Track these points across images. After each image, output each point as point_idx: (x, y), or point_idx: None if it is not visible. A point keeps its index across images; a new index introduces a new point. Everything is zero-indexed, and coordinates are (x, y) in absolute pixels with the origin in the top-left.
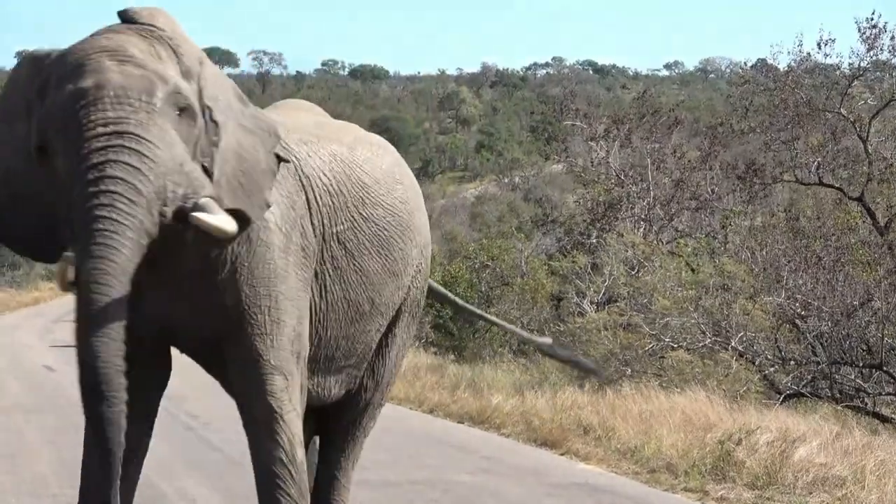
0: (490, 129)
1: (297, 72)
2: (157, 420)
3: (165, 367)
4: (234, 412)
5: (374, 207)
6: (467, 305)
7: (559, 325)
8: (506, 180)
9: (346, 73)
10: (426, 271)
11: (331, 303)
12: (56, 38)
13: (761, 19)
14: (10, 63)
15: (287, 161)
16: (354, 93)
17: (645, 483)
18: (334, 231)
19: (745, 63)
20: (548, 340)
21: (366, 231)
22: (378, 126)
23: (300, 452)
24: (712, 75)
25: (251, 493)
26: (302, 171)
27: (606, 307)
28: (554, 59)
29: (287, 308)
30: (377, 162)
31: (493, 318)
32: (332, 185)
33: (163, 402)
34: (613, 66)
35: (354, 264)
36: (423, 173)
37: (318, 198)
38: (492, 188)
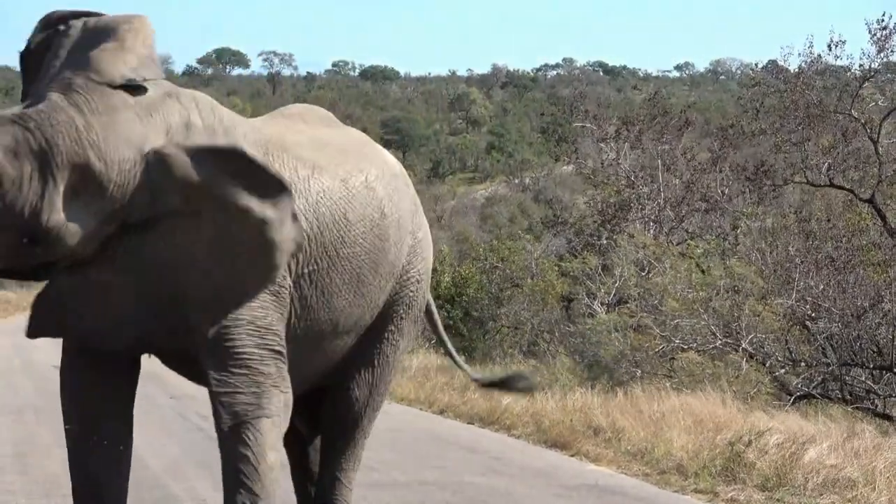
0: (500, 131)
1: (308, 72)
2: (167, 421)
3: (136, 369)
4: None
5: (352, 247)
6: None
7: (569, 326)
8: (516, 181)
9: (356, 73)
10: (424, 279)
11: (292, 333)
12: None
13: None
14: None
15: None
16: (365, 94)
17: (655, 484)
18: (305, 272)
19: (755, 64)
20: (477, 376)
21: (339, 270)
22: (388, 127)
23: (270, 455)
24: (723, 77)
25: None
26: None
27: (617, 308)
28: (564, 60)
29: (253, 331)
30: (367, 196)
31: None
32: (312, 227)
33: (172, 403)
34: (624, 68)
35: (324, 301)
36: (433, 174)
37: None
38: (502, 189)
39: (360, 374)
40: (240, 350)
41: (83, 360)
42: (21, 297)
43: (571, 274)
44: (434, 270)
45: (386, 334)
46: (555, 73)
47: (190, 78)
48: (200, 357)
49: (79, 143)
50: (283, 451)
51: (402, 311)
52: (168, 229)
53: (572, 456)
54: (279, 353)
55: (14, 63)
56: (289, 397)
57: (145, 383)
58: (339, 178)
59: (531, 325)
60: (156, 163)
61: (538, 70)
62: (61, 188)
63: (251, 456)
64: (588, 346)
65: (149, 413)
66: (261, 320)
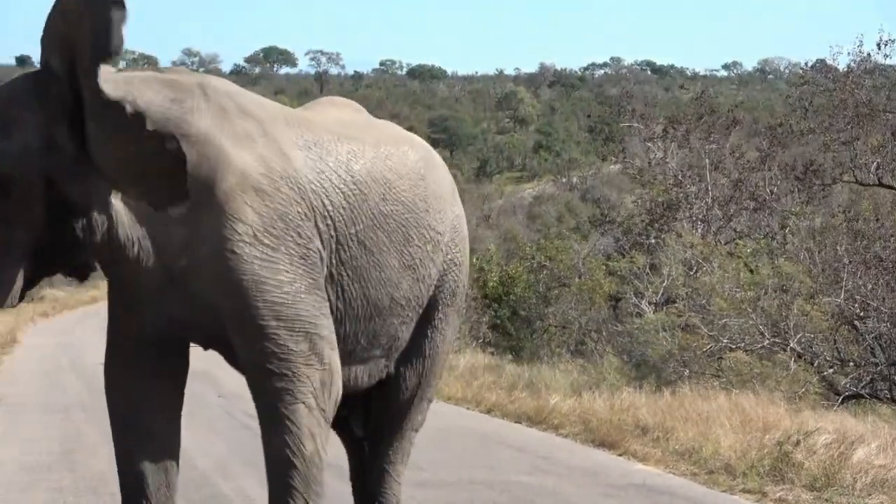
0: (548, 129)
1: (355, 71)
2: (214, 419)
3: (184, 365)
4: None
5: (394, 204)
6: None
7: (617, 326)
8: (563, 180)
9: (403, 72)
10: (464, 265)
11: (349, 301)
12: None
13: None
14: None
15: None
16: (412, 92)
17: (703, 484)
18: (352, 231)
19: (804, 64)
20: None
21: (385, 228)
22: (436, 126)
23: (309, 445)
24: (771, 76)
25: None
26: (305, 177)
27: (665, 308)
28: (612, 59)
29: (278, 313)
30: (402, 158)
31: None
32: (348, 185)
33: (220, 402)
34: (672, 67)
35: (374, 261)
36: (480, 173)
37: (328, 202)
38: (549, 188)
39: (410, 364)
40: (262, 326)
41: (127, 355)
42: (70, 296)
43: (619, 273)
44: (481, 269)
45: (435, 322)
46: (602, 72)
47: (238, 77)
48: (222, 334)
49: None
50: (327, 432)
51: (447, 297)
52: None
53: (620, 455)
54: (312, 324)
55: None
56: (325, 374)
57: (193, 382)
58: (369, 143)
59: (579, 325)
60: None
61: (586, 69)
62: None
63: (289, 450)
64: (636, 345)
65: (196, 412)
66: (285, 288)
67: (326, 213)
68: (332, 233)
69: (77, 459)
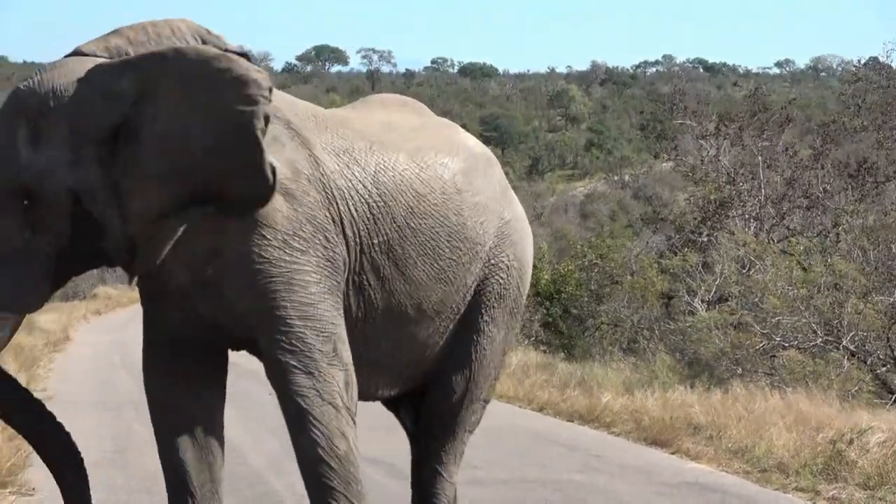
0: (599, 127)
1: (407, 69)
2: (266, 417)
3: (222, 362)
4: None
5: (424, 218)
6: None
7: (669, 324)
8: (615, 178)
9: (455, 70)
10: (513, 267)
11: (370, 309)
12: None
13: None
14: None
15: None
16: (464, 90)
17: (756, 482)
18: (375, 242)
19: (857, 61)
20: None
21: (413, 242)
22: (487, 124)
23: (341, 444)
24: (823, 73)
25: (366, 490)
26: (334, 184)
27: (717, 306)
28: (664, 56)
29: (305, 313)
30: (439, 170)
31: None
32: (373, 197)
33: (271, 400)
34: (724, 65)
35: (400, 273)
36: (532, 171)
37: (354, 211)
38: (601, 186)
39: (456, 366)
40: (290, 326)
41: (163, 354)
42: (122, 293)
43: (671, 271)
44: (533, 267)
45: (480, 325)
46: (654, 69)
47: (289, 75)
48: (250, 336)
49: None
50: (356, 431)
51: (492, 300)
52: None
53: (672, 454)
54: (333, 324)
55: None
56: (348, 374)
57: (245, 380)
58: (404, 152)
59: (631, 323)
60: None
61: (637, 67)
62: None
63: (322, 452)
64: (688, 343)
65: (249, 409)
66: (312, 289)
67: (352, 221)
68: (358, 240)
69: (129, 457)
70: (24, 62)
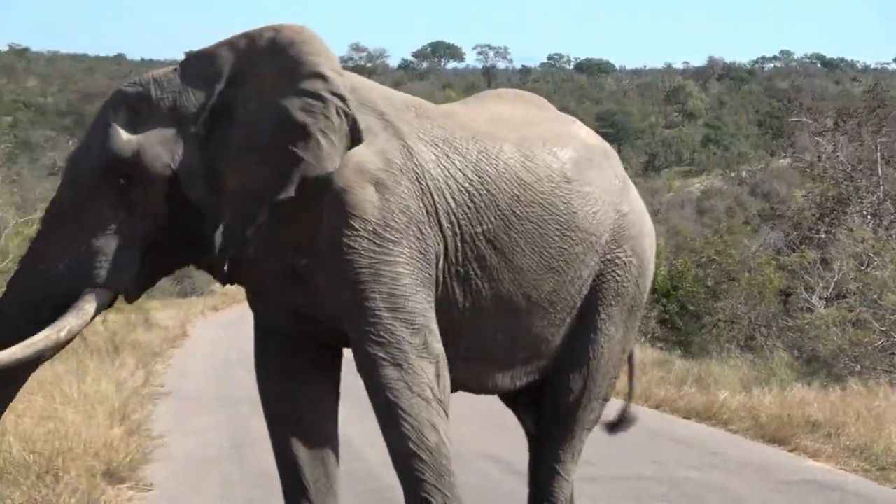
0: (716, 123)
1: (523, 66)
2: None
3: (333, 357)
4: (459, 407)
5: (530, 206)
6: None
7: (787, 321)
8: (732, 175)
9: (571, 67)
10: (632, 264)
11: (478, 299)
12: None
13: None
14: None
15: None
16: (580, 87)
17: (875, 481)
18: (478, 231)
19: None
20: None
21: (519, 229)
22: (603, 120)
23: (432, 436)
24: None
25: (477, 485)
26: (429, 174)
27: (835, 303)
28: (782, 52)
29: (395, 305)
30: (547, 159)
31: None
32: (474, 185)
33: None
34: (842, 60)
35: (505, 262)
36: (649, 167)
37: (451, 200)
38: (718, 183)
39: (573, 364)
40: (379, 318)
41: (272, 349)
42: (239, 289)
43: (789, 268)
44: None
45: (596, 322)
46: (772, 65)
47: (405, 72)
48: (342, 329)
49: None
50: (447, 424)
51: (609, 297)
52: None
53: (790, 451)
54: (424, 317)
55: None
56: (439, 367)
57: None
58: (510, 141)
59: (748, 320)
60: None
61: (755, 62)
62: None
63: (413, 445)
64: (806, 340)
65: (367, 405)
66: (403, 281)
67: (450, 211)
68: (457, 230)
69: (246, 453)
70: (142, 59)
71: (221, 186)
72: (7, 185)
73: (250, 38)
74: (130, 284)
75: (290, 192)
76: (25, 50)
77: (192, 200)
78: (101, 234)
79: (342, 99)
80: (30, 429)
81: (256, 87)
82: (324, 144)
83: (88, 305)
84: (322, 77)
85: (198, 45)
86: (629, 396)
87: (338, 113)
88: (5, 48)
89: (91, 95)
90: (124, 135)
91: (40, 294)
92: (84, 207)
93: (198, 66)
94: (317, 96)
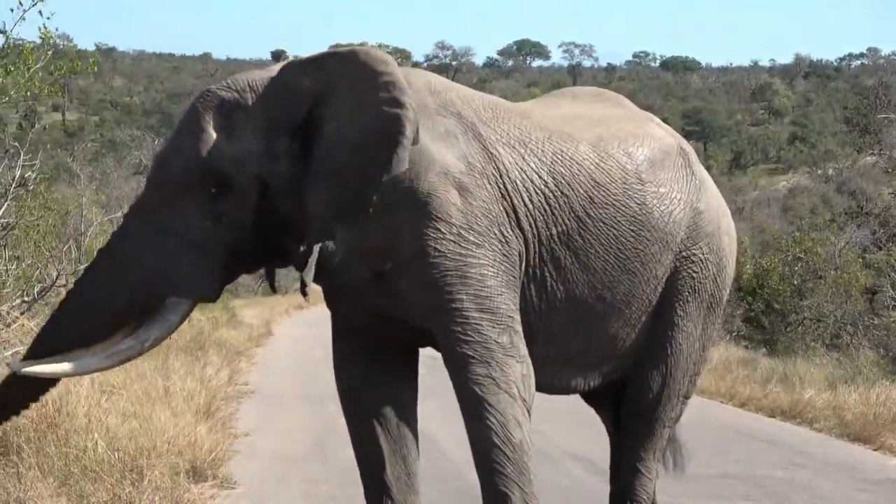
0: (803, 121)
1: (608, 64)
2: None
3: (411, 353)
4: (542, 405)
5: (604, 207)
6: None
7: (873, 319)
8: (818, 172)
9: (657, 64)
10: (709, 261)
11: (553, 301)
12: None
13: None
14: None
15: None
16: (665, 84)
17: None
18: (553, 233)
19: None
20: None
21: (593, 231)
22: (689, 118)
23: (516, 433)
24: None
25: (560, 484)
26: (507, 176)
27: None
28: (869, 49)
29: (481, 305)
30: (621, 160)
31: None
32: (549, 186)
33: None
34: None
35: (580, 263)
36: (734, 165)
37: (529, 202)
38: (804, 180)
39: (652, 362)
40: (466, 318)
41: (351, 345)
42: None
43: (876, 266)
44: (735, 262)
45: (674, 319)
46: (859, 62)
47: (490, 70)
48: (428, 330)
49: None
50: (530, 423)
51: (686, 294)
52: None
53: (876, 450)
54: (510, 318)
55: None
56: (525, 367)
57: (445, 374)
58: (584, 142)
59: (834, 318)
60: None
61: (842, 60)
62: None
63: (497, 439)
64: (892, 338)
65: (451, 404)
66: (489, 282)
67: (528, 213)
68: (535, 232)
69: (330, 451)
70: (228, 58)
71: (306, 201)
72: (93, 183)
73: (336, 57)
74: (210, 293)
75: (372, 200)
76: (112, 49)
77: (279, 212)
78: (186, 241)
79: (413, 109)
80: (114, 427)
81: (341, 106)
82: (404, 148)
83: (173, 315)
84: (396, 85)
85: (284, 45)
86: None
87: (410, 120)
88: (92, 48)
89: (177, 95)
90: (221, 143)
91: (123, 299)
92: (170, 211)
93: (292, 78)
94: (399, 104)
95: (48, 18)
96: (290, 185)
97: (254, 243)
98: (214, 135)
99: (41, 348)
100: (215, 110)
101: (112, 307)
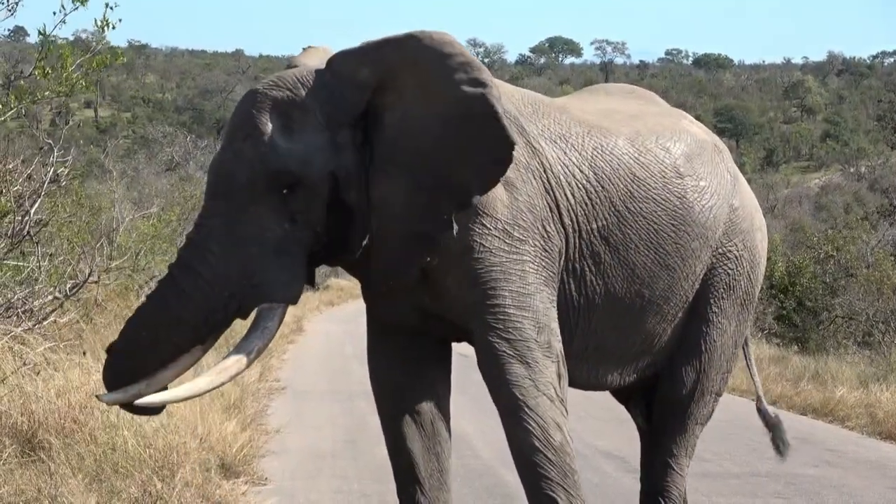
0: (836, 119)
1: (641, 61)
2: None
3: (445, 350)
4: (574, 403)
5: (643, 202)
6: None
7: None
8: (851, 170)
9: (689, 62)
10: (744, 258)
11: (592, 296)
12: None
13: None
14: None
15: None
16: (698, 82)
17: None
18: (594, 227)
19: None
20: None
21: (633, 226)
22: (721, 115)
23: (557, 435)
24: None
25: (590, 480)
26: (550, 171)
27: None
28: None
29: (522, 303)
30: (659, 154)
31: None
32: (590, 181)
33: None
34: None
35: (619, 258)
36: (766, 163)
37: (571, 196)
38: (836, 178)
39: (685, 358)
40: (507, 315)
41: (386, 345)
42: (354, 285)
43: None
44: (767, 259)
45: (709, 315)
46: (892, 60)
47: (522, 67)
48: (467, 326)
49: None
50: (568, 422)
51: (721, 291)
52: None
53: None
54: (547, 315)
55: None
56: (560, 366)
57: (477, 371)
58: (623, 136)
59: (866, 316)
60: None
61: (875, 57)
62: None
63: (538, 443)
64: None
65: (482, 401)
66: (529, 279)
67: (570, 207)
68: (576, 227)
69: (361, 447)
70: (261, 55)
71: (372, 193)
72: (125, 179)
73: (394, 43)
74: (299, 295)
75: (489, 187)
76: (144, 46)
77: (347, 205)
78: (267, 246)
79: (496, 86)
80: (144, 423)
81: (406, 92)
82: (505, 123)
83: (271, 323)
84: (472, 66)
85: (315, 41)
86: (758, 399)
87: (497, 98)
88: (125, 45)
89: (209, 91)
90: (283, 143)
91: (219, 315)
92: (244, 220)
93: (345, 68)
94: (481, 83)
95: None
96: (358, 176)
97: (326, 239)
98: (275, 136)
99: (122, 367)
100: (270, 111)
101: (209, 323)
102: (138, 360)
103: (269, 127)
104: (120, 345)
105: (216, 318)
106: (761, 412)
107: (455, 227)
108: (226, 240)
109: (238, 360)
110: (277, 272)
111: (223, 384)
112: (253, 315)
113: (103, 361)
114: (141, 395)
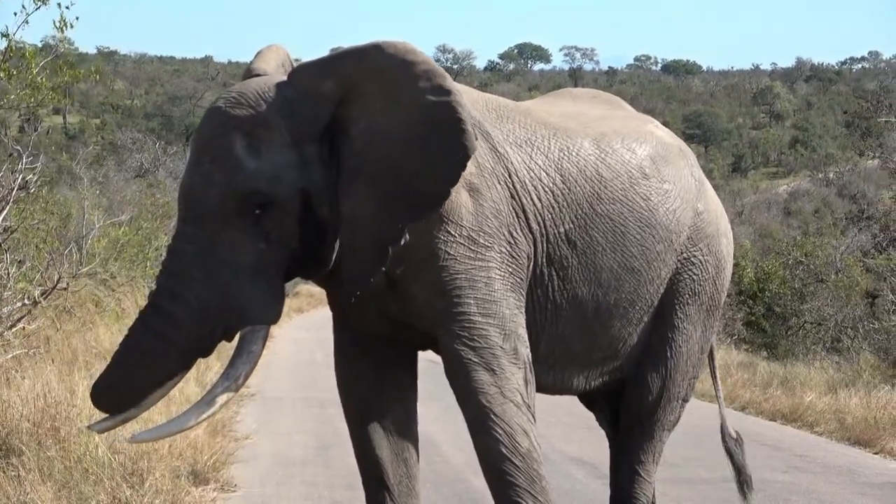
0: (804, 125)
1: (610, 67)
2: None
3: (411, 358)
4: (543, 410)
5: (610, 203)
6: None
7: (873, 323)
8: (819, 176)
9: (658, 68)
10: (708, 263)
11: (559, 300)
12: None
13: None
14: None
15: None
16: (667, 88)
17: None
18: (561, 231)
19: None
20: (733, 435)
21: (599, 228)
22: (690, 121)
23: (524, 442)
24: None
25: (559, 486)
26: (516, 176)
27: None
28: (870, 53)
29: (488, 310)
30: (625, 155)
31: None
32: (556, 184)
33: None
34: None
35: (586, 262)
36: (735, 169)
37: (537, 201)
38: (805, 184)
39: (651, 364)
40: (473, 322)
41: (353, 349)
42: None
43: (876, 270)
44: (736, 265)
45: (674, 321)
46: (860, 66)
47: (492, 73)
48: (434, 334)
49: None
50: (535, 428)
51: (686, 296)
52: None
53: (876, 454)
54: (514, 322)
55: None
56: (527, 372)
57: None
58: (588, 138)
59: (835, 322)
60: None
61: (843, 63)
62: None
63: (505, 449)
64: (893, 342)
65: (453, 407)
66: (495, 286)
67: (537, 212)
68: (543, 231)
69: (331, 454)
70: (230, 61)
71: (339, 207)
72: (94, 186)
73: (356, 54)
74: (280, 315)
75: (448, 194)
76: (113, 52)
77: (320, 219)
78: (245, 269)
79: (459, 92)
80: (114, 430)
81: (370, 103)
82: (468, 130)
83: (255, 347)
84: (436, 73)
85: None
86: (719, 405)
87: (461, 104)
88: (94, 51)
89: (178, 98)
90: (251, 164)
91: (207, 342)
92: (219, 243)
93: (308, 82)
94: (445, 90)
95: (67, 8)
96: (328, 190)
97: (301, 254)
98: (242, 157)
99: (114, 396)
100: (235, 131)
101: (200, 348)
102: (132, 389)
103: (235, 148)
104: (112, 374)
105: (205, 343)
106: (724, 434)
107: (406, 236)
108: (205, 265)
109: (226, 388)
110: (257, 294)
111: (214, 414)
112: (237, 339)
113: (91, 390)
114: (130, 419)
